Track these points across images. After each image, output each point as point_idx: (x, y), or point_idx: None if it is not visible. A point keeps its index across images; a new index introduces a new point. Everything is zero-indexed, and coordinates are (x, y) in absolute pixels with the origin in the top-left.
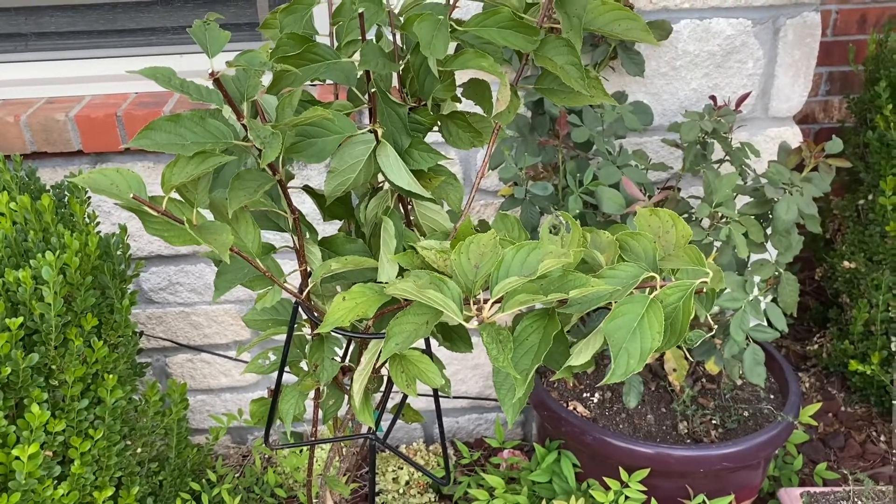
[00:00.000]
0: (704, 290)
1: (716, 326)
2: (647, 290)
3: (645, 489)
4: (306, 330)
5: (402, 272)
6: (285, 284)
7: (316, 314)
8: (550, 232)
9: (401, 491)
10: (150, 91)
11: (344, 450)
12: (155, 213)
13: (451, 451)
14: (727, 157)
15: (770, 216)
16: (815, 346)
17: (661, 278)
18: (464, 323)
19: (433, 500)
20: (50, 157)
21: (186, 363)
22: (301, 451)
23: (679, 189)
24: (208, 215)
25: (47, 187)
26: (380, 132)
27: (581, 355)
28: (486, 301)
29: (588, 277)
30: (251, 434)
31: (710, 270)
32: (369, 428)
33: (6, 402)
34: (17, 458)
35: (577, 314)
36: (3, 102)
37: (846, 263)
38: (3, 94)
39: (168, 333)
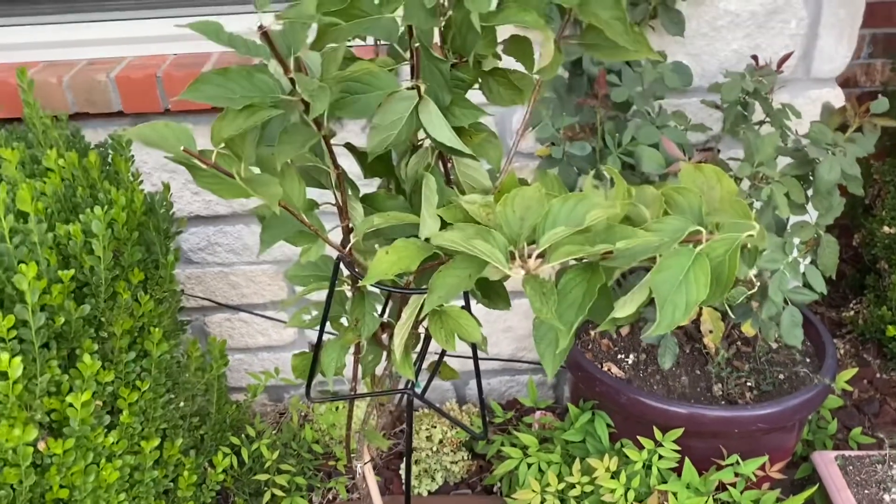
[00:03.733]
0: (748, 245)
1: (758, 284)
2: (693, 244)
3: (679, 449)
4: (346, 288)
5: (443, 227)
6: (329, 237)
7: (357, 270)
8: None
9: (434, 449)
10: (188, 53)
11: (381, 403)
12: (204, 167)
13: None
14: (767, 119)
15: (811, 177)
16: (851, 313)
17: (707, 232)
18: (509, 273)
19: (466, 458)
20: (91, 118)
21: (225, 322)
22: (337, 408)
23: (718, 151)
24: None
25: (91, 144)
26: (422, 88)
27: (626, 307)
28: (530, 256)
29: (635, 229)
30: (287, 393)
31: (757, 227)
32: (406, 385)
33: (60, 351)
34: (71, 405)
35: (622, 267)
36: (46, 64)
37: (886, 229)
38: (45, 55)
39: (207, 293)
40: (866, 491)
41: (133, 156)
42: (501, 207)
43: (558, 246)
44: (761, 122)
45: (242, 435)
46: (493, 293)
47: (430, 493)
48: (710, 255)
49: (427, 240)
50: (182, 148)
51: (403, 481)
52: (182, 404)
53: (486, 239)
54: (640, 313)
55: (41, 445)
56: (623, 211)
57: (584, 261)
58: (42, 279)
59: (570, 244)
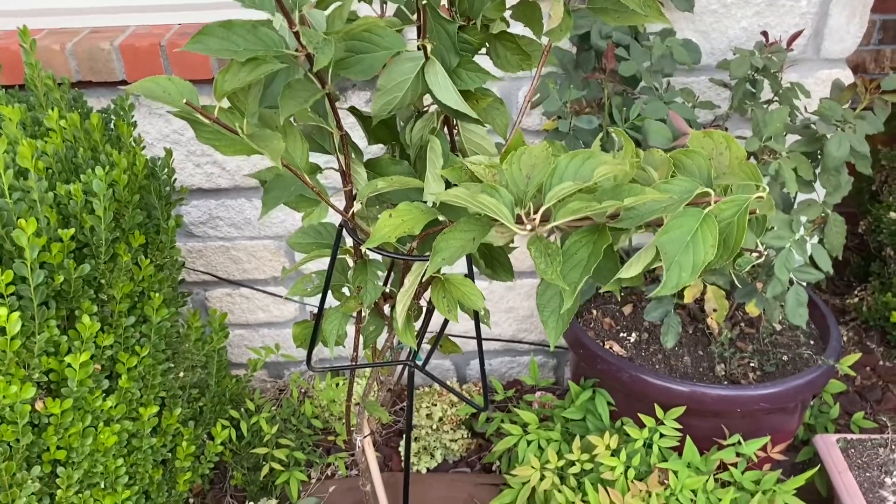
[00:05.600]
0: (757, 211)
1: (765, 254)
2: (701, 206)
3: (680, 427)
4: (348, 257)
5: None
6: (332, 202)
7: (360, 236)
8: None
9: (434, 427)
10: (193, 22)
11: (382, 377)
12: (207, 122)
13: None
14: (776, 98)
15: (820, 155)
16: (856, 300)
17: (716, 195)
18: (515, 230)
19: (466, 436)
20: (95, 86)
21: (225, 297)
22: (338, 384)
23: (726, 129)
24: None
25: (94, 110)
26: (429, 48)
27: (631, 268)
28: (536, 219)
29: (643, 187)
30: (287, 369)
31: (766, 189)
32: (407, 356)
33: (59, 311)
34: (70, 365)
35: (629, 229)
36: (49, 31)
37: (892, 214)
38: (49, 22)
39: (208, 267)
40: (868, 474)
41: (136, 121)
42: (507, 166)
43: (565, 203)
44: (769, 101)
45: (242, 409)
46: (496, 263)
47: (429, 470)
48: (718, 216)
49: (433, 205)
50: (185, 101)
51: (403, 458)
52: (182, 374)
53: (492, 194)
54: (642, 283)
55: (39, 405)
56: (632, 170)
57: (591, 222)
58: (42, 236)
59: (577, 201)
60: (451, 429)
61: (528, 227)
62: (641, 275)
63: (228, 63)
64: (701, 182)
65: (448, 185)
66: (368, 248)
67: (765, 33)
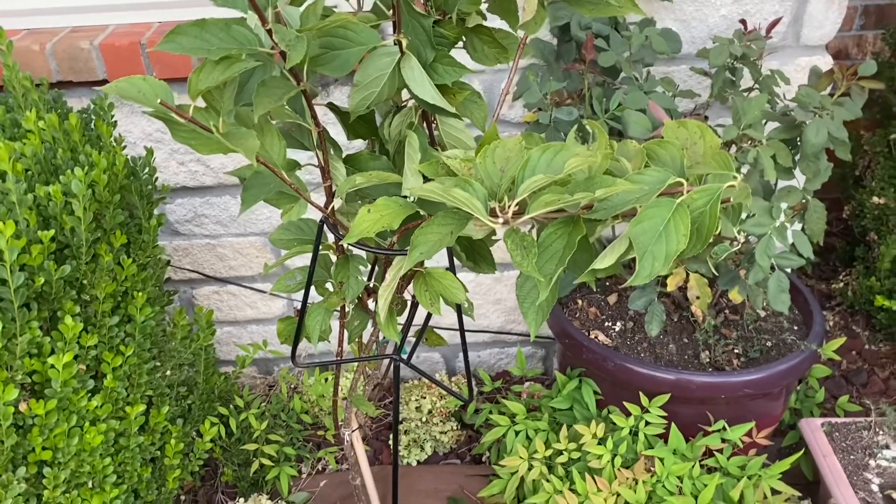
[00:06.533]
0: (731, 200)
1: (743, 241)
2: (674, 195)
3: (665, 415)
4: (330, 253)
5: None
6: (311, 198)
7: (341, 232)
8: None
9: (423, 419)
10: (173, 20)
11: (368, 371)
12: (182, 121)
13: (472, 382)
14: (756, 86)
15: (799, 142)
16: (841, 284)
17: (689, 184)
18: (488, 223)
19: (455, 428)
20: (75, 86)
21: (213, 295)
22: (326, 379)
23: (706, 118)
24: None
25: (74, 111)
26: (404, 43)
27: (606, 259)
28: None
29: (615, 178)
30: (277, 366)
31: (738, 178)
32: (394, 350)
33: (41, 313)
34: (53, 366)
35: (603, 220)
36: (29, 31)
37: (875, 199)
38: (28, 23)
39: (194, 265)
40: (852, 456)
41: (116, 120)
42: (481, 159)
43: (538, 196)
44: (750, 89)
45: (231, 405)
46: (477, 256)
47: (419, 462)
48: (690, 206)
49: (412, 199)
50: (159, 101)
51: (392, 451)
52: (168, 373)
53: (465, 188)
54: (620, 271)
55: (23, 407)
56: (605, 162)
57: (566, 214)
58: (21, 238)
59: (550, 194)
60: (441, 421)
61: (502, 220)
62: (619, 264)
63: (202, 62)
64: (674, 172)
65: (426, 179)
66: (350, 244)
67: (743, 21)
